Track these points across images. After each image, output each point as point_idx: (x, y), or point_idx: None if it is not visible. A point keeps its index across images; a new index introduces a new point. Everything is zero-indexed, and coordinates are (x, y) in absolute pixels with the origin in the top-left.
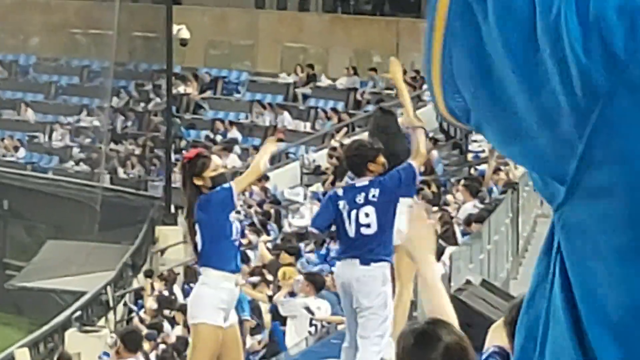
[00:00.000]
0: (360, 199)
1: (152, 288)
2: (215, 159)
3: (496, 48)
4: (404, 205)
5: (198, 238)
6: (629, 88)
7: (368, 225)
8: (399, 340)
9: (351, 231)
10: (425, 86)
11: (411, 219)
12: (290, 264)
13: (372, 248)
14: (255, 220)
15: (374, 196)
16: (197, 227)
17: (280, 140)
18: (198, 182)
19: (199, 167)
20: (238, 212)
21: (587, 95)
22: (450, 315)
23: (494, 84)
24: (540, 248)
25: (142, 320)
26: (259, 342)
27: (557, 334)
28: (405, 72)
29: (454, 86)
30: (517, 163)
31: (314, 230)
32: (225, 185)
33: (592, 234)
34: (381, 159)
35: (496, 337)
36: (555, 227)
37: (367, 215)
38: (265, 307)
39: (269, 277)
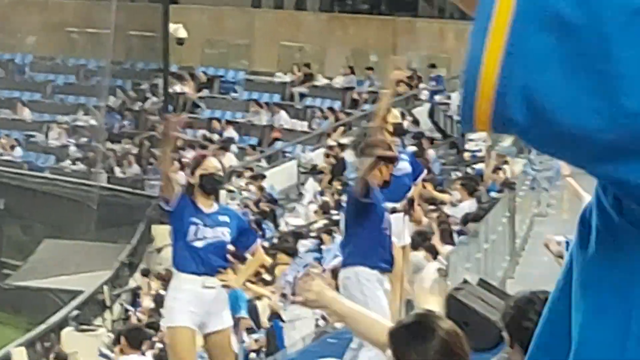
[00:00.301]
0: None
1: (149, 287)
2: (211, 160)
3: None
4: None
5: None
6: None
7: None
8: (392, 334)
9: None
10: (422, 85)
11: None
12: (287, 264)
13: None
14: (252, 219)
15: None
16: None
17: (276, 139)
18: (191, 180)
19: (192, 165)
20: None
21: None
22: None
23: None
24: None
25: (139, 320)
26: (256, 341)
27: None
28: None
29: (519, 96)
30: (614, 181)
31: None
32: (181, 192)
33: None
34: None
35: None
36: None
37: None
38: (262, 306)
39: (266, 277)
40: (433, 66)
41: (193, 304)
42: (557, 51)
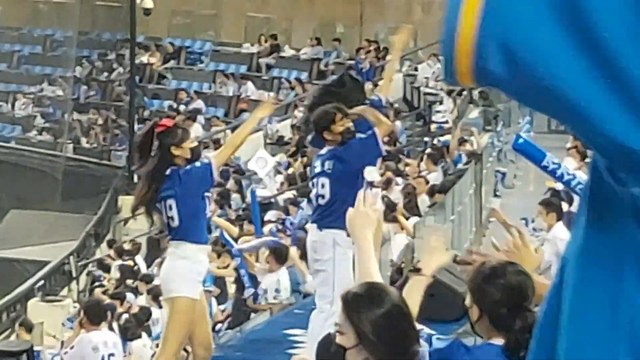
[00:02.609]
0: (317, 168)
1: (115, 258)
2: (192, 134)
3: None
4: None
5: (173, 212)
6: None
7: (322, 196)
8: (344, 300)
9: (313, 198)
10: (388, 57)
11: (359, 198)
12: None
13: (326, 215)
14: (218, 190)
15: (328, 168)
16: (170, 201)
17: (243, 110)
18: (176, 152)
19: (179, 137)
20: None
21: None
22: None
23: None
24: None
25: (105, 291)
26: (223, 312)
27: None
28: (369, 42)
29: (497, 49)
30: (580, 135)
31: None
32: (205, 159)
33: None
34: (337, 127)
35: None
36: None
37: (322, 186)
38: (229, 277)
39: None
40: None
41: (202, 274)
42: (536, 7)
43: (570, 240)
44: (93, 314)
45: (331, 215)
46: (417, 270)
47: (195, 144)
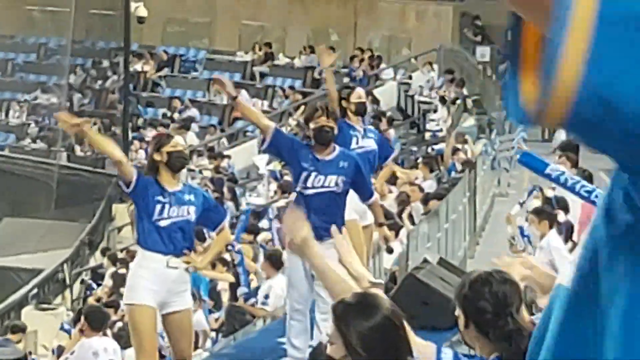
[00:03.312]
0: None
1: (110, 266)
2: (177, 138)
3: None
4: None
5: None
6: None
7: None
8: (335, 309)
9: None
10: (382, 65)
11: (284, 226)
12: (250, 242)
13: None
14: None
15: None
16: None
17: (237, 118)
18: (157, 157)
19: (160, 143)
20: None
21: None
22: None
23: None
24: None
25: (98, 299)
26: (216, 320)
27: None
28: (362, 51)
29: (598, 98)
30: None
31: None
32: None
33: None
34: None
35: None
36: None
37: None
38: (223, 285)
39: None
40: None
41: (156, 282)
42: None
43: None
44: (94, 320)
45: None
46: None
47: (177, 147)
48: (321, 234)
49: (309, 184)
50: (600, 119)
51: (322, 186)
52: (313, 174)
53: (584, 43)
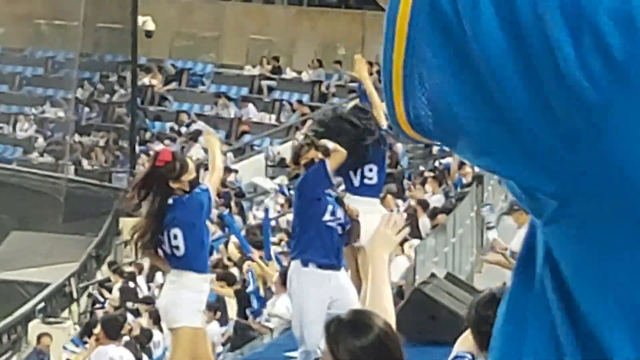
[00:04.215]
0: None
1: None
2: (189, 162)
3: (481, 60)
4: (371, 205)
5: (179, 241)
6: (629, 94)
7: (294, 229)
8: (327, 327)
9: None
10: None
11: (383, 218)
12: (261, 257)
13: (292, 246)
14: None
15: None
16: (175, 230)
17: (244, 132)
18: (175, 185)
19: (177, 171)
20: None
21: (577, 110)
22: (390, 316)
23: (484, 98)
24: (518, 262)
25: (105, 313)
26: (223, 334)
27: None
28: (371, 65)
29: (420, 97)
30: (494, 173)
31: None
32: (202, 186)
33: (599, 233)
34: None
35: (464, 345)
36: (542, 237)
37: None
38: (230, 300)
39: (233, 271)
40: None
41: (205, 303)
42: (440, 53)
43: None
44: (110, 329)
45: (295, 246)
46: None
47: (193, 176)
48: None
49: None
50: (433, 121)
51: (338, 218)
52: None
53: (404, 39)
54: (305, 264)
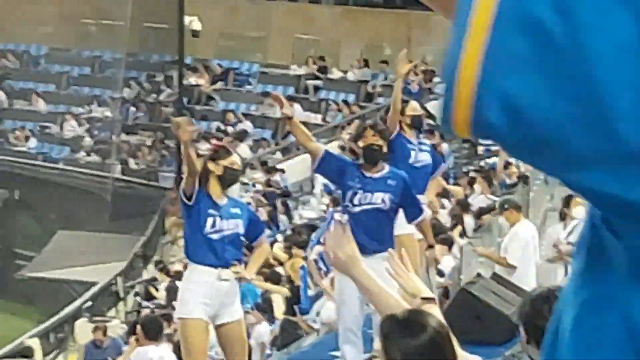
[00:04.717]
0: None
1: (163, 279)
2: (236, 157)
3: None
4: None
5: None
6: None
7: None
8: (382, 325)
9: None
10: (436, 79)
11: (328, 239)
12: (305, 258)
13: None
14: (265, 212)
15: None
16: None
17: (290, 132)
18: (211, 166)
19: (218, 154)
20: (249, 204)
21: None
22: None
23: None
24: (586, 257)
25: (152, 312)
26: (270, 333)
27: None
28: (415, 66)
29: (497, 100)
30: (583, 191)
31: None
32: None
33: None
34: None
35: None
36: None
37: None
38: (276, 298)
39: (280, 270)
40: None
41: (208, 296)
42: (537, 56)
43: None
44: (150, 329)
45: None
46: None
47: (234, 165)
48: (370, 250)
49: (355, 202)
50: (505, 126)
51: (368, 203)
52: (359, 192)
53: (482, 43)
54: None
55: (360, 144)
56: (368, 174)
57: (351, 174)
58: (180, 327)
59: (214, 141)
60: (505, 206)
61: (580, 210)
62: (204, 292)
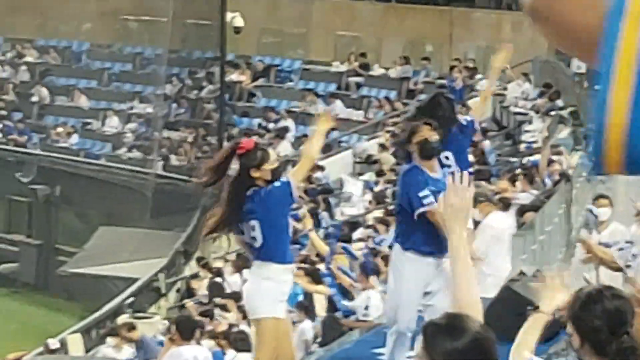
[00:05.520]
0: None
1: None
2: (273, 154)
3: None
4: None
5: (256, 233)
6: None
7: None
8: (424, 329)
9: None
10: (478, 76)
11: (448, 188)
12: (342, 253)
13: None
14: (306, 209)
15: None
16: (253, 221)
17: (332, 128)
18: (255, 174)
19: (258, 159)
20: None
21: None
22: (473, 305)
23: None
24: None
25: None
26: (313, 329)
27: None
28: (460, 62)
29: None
30: None
31: None
32: (284, 179)
33: None
34: (416, 137)
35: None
36: None
37: None
38: (318, 296)
39: (320, 266)
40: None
41: (286, 294)
42: None
43: None
44: (184, 329)
45: (397, 234)
46: (537, 308)
47: (275, 165)
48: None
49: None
50: None
51: None
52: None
53: (629, 90)
54: (406, 250)
55: (415, 139)
56: (431, 174)
57: (422, 183)
58: (260, 326)
59: (245, 141)
60: (481, 199)
61: (605, 211)
62: (284, 291)
